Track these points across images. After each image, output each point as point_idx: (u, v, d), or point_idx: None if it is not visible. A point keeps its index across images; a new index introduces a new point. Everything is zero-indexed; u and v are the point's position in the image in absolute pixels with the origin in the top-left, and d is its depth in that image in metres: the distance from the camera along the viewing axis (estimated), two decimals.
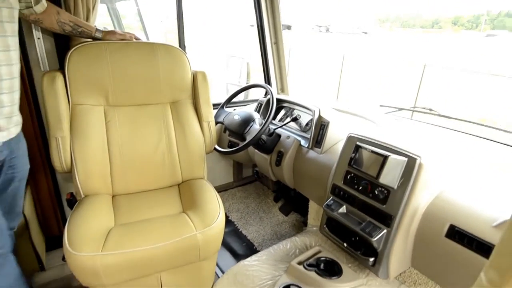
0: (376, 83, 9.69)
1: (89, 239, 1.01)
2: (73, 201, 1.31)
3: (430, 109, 1.82)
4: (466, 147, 1.41)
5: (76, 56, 1.22)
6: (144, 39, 3.26)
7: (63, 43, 1.39)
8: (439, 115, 1.77)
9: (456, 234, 0.96)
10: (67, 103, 1.23)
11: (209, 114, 1.46)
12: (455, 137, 1.52)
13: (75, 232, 1.03)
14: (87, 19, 1.38)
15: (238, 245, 1.73)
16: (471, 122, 1.61)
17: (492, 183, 1.11)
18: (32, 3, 1.08)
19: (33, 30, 1.33)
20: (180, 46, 1.81)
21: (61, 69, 1.41)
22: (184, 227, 1.12)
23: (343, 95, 8.56)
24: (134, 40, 1.37)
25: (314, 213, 1.61)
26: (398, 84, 9.35)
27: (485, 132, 1.66)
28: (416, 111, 1.90)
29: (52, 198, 1.59)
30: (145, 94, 1.36)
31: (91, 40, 1.32)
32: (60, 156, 1.21)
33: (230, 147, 1.97)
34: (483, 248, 0.90)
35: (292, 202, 1.99)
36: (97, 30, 1.30)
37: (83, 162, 1.24)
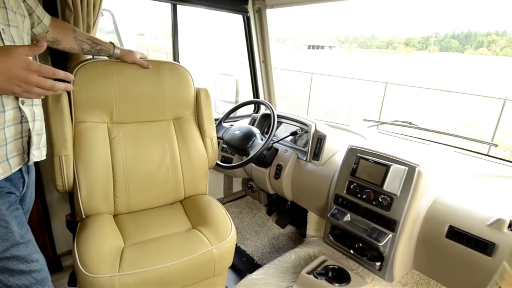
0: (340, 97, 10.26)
1: (104, 260, 0.98)
2: (73, 222, 1.25)
3: (410, 123, 1.98)
4: (449, 157, 1.56)
5: (82, 74, 1.19)
6: None
7: (58, 61, 1.36)
8: (419, 128, 1.94)
9: (456, 234, 1.06)
10: (71, 121, 1.20)
11: (212, 130, 1.48)
12: (435, 148, 1.67)
13: (87, 254, 0.99)
14: None
15: (239, 260, 1.72)
16: (449, 134, 1.78)
17: (479, 187, 1.25)
18: (41, 17, 0.97)
19: None
20: (174, 61, 1.83)
21: None
22: (199, 243, 1.11)
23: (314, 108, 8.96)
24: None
25: (314, 224, 1.66)
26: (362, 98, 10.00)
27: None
28: (397, 124, 2.05)
29: (41, 221, 1.49)
30: (149, 111, 1.35)
31: (91, 58, 1.30)
32: (63, 175, 1.16)
33: (223, 162, 1.99)
34: (480, 245, 1.00)
35: (288, 215, 2.04)
36: (115, 47, 1.25)
37: (86, 181, 1.20)
